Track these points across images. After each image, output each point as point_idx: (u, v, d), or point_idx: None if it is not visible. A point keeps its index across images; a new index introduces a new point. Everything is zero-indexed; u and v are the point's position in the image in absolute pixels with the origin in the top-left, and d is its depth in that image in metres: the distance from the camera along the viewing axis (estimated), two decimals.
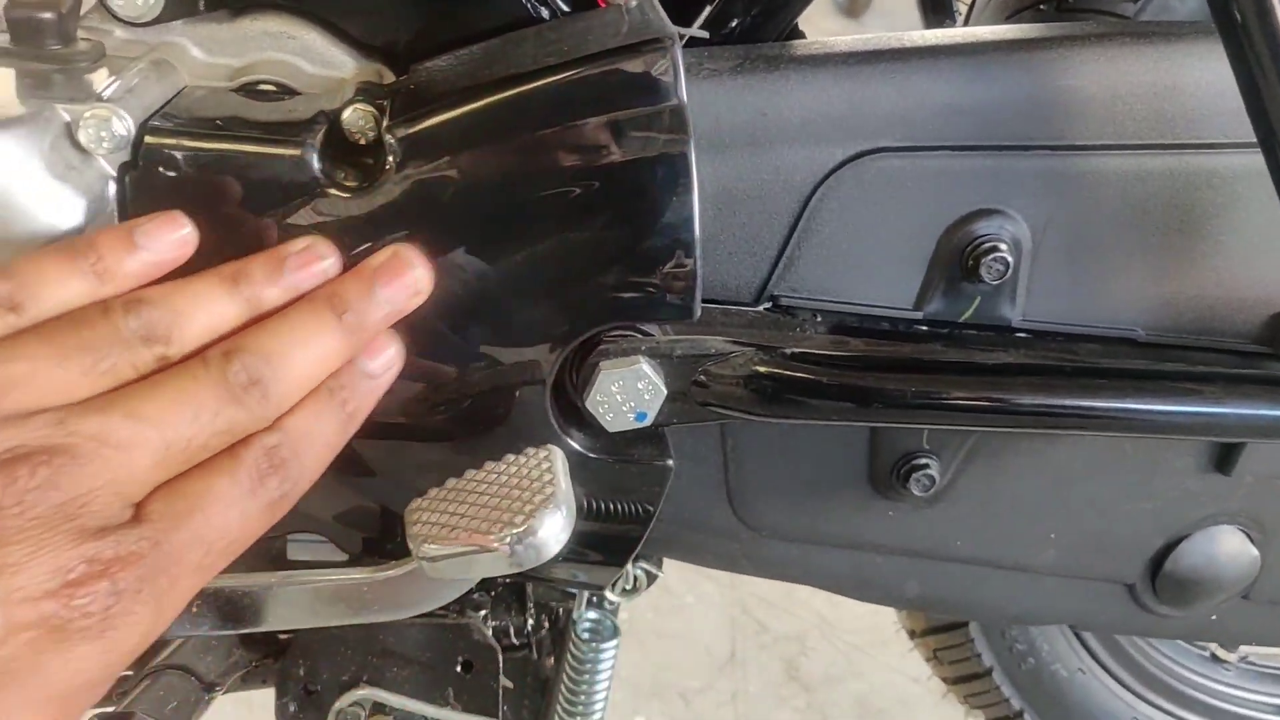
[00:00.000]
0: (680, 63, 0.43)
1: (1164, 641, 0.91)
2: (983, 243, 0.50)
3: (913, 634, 0.86)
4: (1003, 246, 0.51)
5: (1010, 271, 0.51)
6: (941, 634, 0.82)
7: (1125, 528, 0.62)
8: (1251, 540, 0.64)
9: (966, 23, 0.66)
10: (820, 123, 0.49)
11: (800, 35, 0.56)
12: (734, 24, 0.55)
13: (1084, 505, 0.61)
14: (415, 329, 0.44)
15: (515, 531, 0.38)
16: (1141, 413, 0.50)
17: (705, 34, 0.53)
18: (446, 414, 0.46)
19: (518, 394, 0.46)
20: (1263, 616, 0.69)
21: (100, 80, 0.44)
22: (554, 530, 0.38)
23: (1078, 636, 0.84)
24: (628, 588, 0.65)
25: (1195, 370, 0.51)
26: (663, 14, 0.47)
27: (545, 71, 0.44)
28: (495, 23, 0.50)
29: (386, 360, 0.42)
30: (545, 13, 0.50)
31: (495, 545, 0.38)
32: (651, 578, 0.67)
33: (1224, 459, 0.60)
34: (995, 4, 0.63)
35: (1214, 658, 0.95)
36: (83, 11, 0.47)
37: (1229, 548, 0.64)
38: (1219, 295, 0.55)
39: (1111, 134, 0.51)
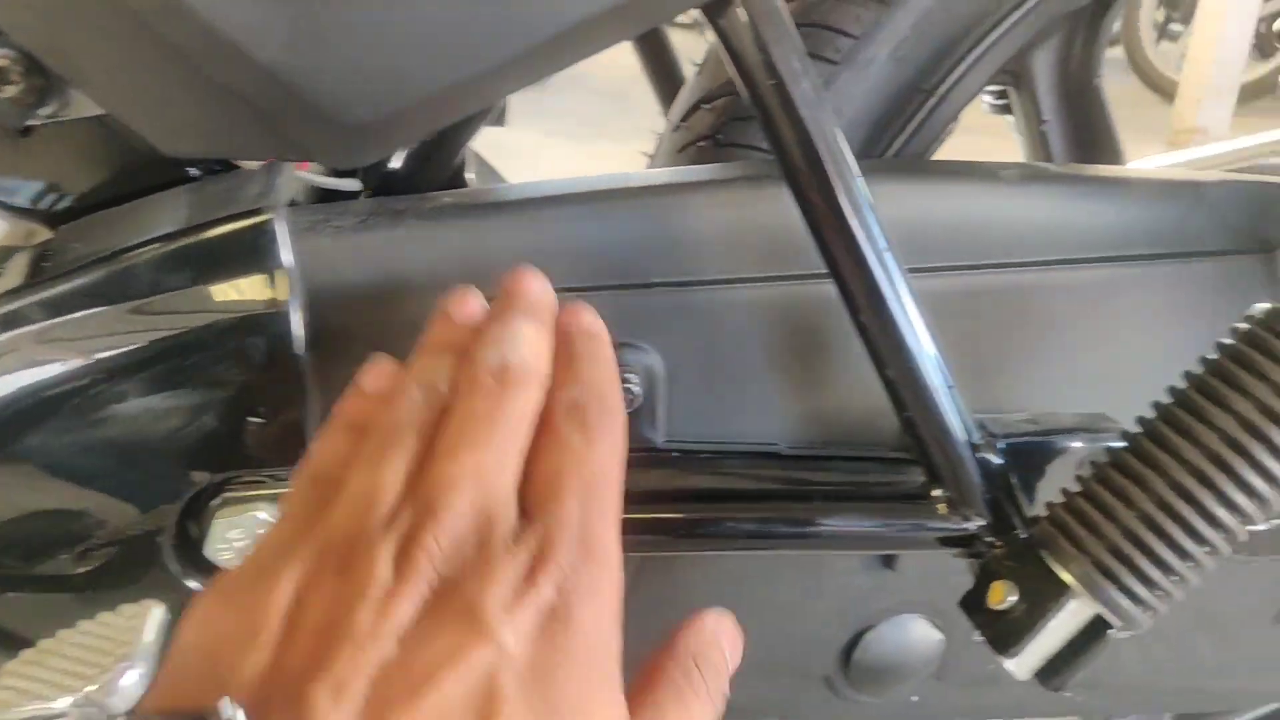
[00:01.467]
0: (282, 229, 0.46)
1: None
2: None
3: None
4: (632, 378, 0.54)
5: (643, 400, 0.55)
6: None
7: (808, 625, 0.66)
8: (935, 625, 0.69)
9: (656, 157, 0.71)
10: (442, 273, 0.52)
11: (463, 179, 0.60)
12: (395, 170, 0.59)
13: (763, 607, 0.64)
14: (36, 481, 0.46)
15: (88, 692, 0.40)
16: (754, 532, 0.54)
17: (357, 186, 0.56)
18: (71, 566, 0.48)
19: (137, 545, 0.48)
20: (959, 694, 0.74)
21: None
22: (127, 689, 0.40)
23: None
24: None
25: (800, 489, 0.55)
26: (289, 178, 0.50)
27: (161, 240, 0.47)
28: (149, 183, 0.53)
29: (590, 317, 0.43)
30: (197, 173, 0.53)
31: (59, 709, 0.39)
32: None
33: (887, 556, 0.64)
34: (671, 140, 0.68)
35: None
36: None
37: (913, 635, 0.68)
38: (859, 407, 0.59)
39: (732, 268, 0.55)
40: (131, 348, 0.45)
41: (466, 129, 0.58)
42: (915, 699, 0.73)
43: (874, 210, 0.49)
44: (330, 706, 0.30)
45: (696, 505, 0.55)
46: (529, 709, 0.32)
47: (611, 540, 0.37)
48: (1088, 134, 0.71)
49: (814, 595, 0.65)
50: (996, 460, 0.53)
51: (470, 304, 0.43)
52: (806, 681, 0.69)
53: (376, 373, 0.41)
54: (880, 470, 0.57)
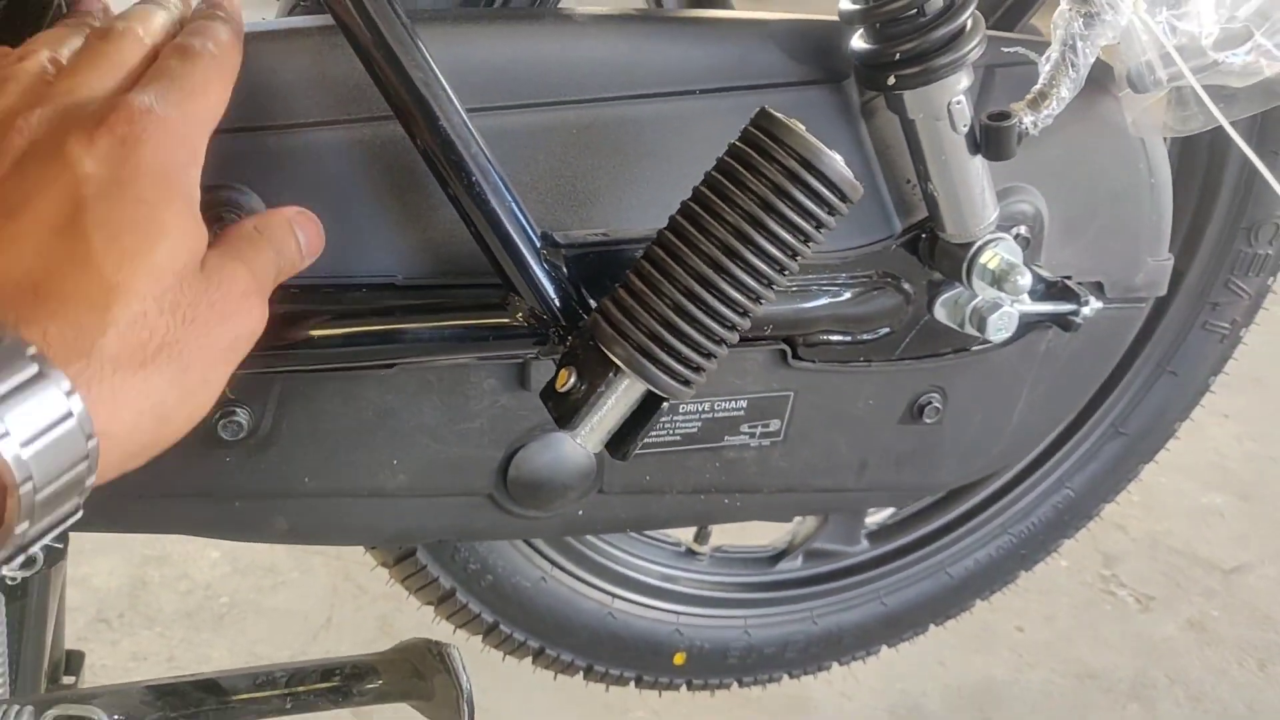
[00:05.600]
0: None
1: (629, 541, 1.04)
2: (212, 217, 0.58)
3: (386, 565, 0.94)
4: (231, 219, 0.58)
5: None
6: (401, 564, 0.91)
7: (462, 447, 0.72)
8: None
9: None
10: None
11: None
12: None
13: (414, 432, 0.70)
14: None
15: None
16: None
17: None
18: None
19: None
20: (622, 505, 0.82)
21: None
22: None
23: (534, 548, 0.95)
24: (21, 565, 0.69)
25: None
26: None
27: None
28: None
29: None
30: None
31: None
32: (56, 551, 0.71)
33: (522, 377, 0.70)
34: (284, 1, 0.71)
35: (689, 552, 1.09)
36: None
37: (563, 452, 0.76)
38: (465, 239, 0.64)
39: (322, 111, 0.59)
40: None
41: None
42: (581, 513, 0.81)
43: (420, 46, 0.54)
44: None
45: (315, 331, 0.60)
46: (108, 210, 0.41)
47: (186, 108, 0.47)
48: None
49: (461, 418, 0.71)
50: (565, 268, 0.59)
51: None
52: (472, 501, 0.76)
53: None
54: (483, 292, 0.63)
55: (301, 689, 0.62)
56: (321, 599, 1.40)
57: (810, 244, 0.55)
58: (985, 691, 1.33)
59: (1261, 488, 1.76)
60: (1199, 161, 1.03)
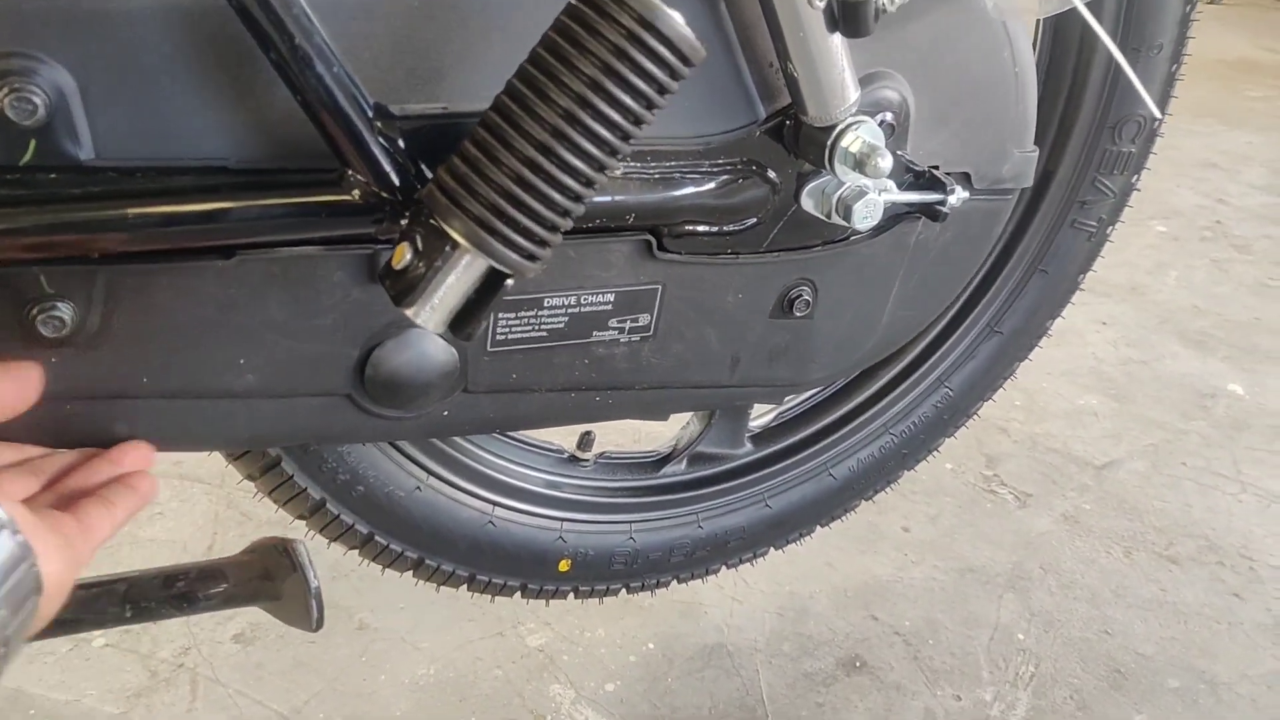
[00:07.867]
0: None
1: (510, 449, 1.03)
2: (2, 86, 0.53)
3: (252, 478, 0.91)
4: (31, 89, 0.53)
5: (49, 113, 0.54)
6: (267, 475, 0.87)
7: (314, 344, 0.69)
8: (442, 338, 0.74)
9: None
10: None
11: None
12: None
13: (259, 328, 0.67)
14: None
15: None
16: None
17: None
18: None
19: None
20: (490, 406, 0.80)
21: None
22: None
23: (407, 456, 0.93)
24: None
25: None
26: None
27: None
28: None
29: None
30: None
31: None
32: None
33: (372, 269, 0.67)
34: None
35: (572, 459, 1.08)
36: None
37: (422, 348, 0.73)
38: (304, 120, 0.61)
39: None
40: None
41: None
42: (447, 413, 0.79)
43: None
44: None
45: (134, 216, 0.56)
46: None
47: None
48: None
49: (311, 314, 0.67)
50: (400, 141, 0.56)
51: None
52: (329, 402, 0.73)
53: None
54: (320, 174, 0.60)
55: (142, 598, 0.59)
56: (202, 528, 1.36)
57: (653, 109, 0.54)
58: (871, 589, 1.36)
59: (1133, 389, 1.83)
60: (1068, 60, 1.05)
